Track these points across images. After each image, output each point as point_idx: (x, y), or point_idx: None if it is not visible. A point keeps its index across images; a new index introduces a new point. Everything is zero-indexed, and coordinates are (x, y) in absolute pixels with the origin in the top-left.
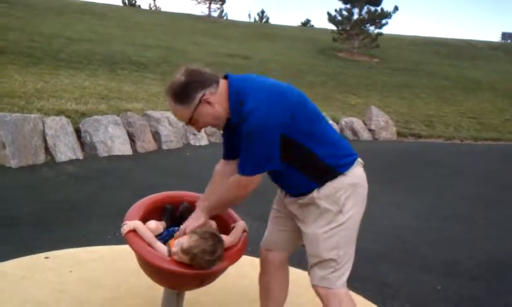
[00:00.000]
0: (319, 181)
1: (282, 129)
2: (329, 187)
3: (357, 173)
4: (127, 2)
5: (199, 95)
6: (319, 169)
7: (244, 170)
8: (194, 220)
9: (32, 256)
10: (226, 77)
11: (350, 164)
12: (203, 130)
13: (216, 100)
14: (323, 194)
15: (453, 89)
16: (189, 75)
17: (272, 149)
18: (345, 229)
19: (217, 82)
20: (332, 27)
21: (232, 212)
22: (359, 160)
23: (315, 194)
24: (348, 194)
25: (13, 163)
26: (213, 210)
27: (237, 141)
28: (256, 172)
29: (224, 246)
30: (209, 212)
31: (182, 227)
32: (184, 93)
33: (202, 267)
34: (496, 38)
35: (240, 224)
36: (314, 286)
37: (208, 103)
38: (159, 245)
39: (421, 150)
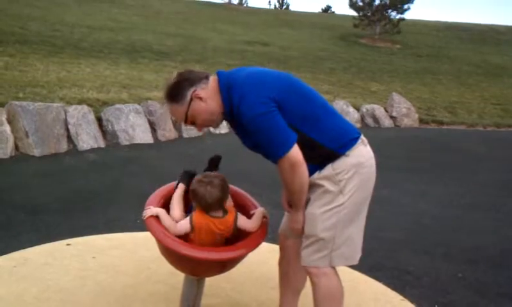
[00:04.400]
0: (320, 164)
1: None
2: (329, 169)
3: (360, 153)
4: None
5: (189, 92)
6: (320, 154)
7: (277, 154)
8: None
9: (54, 243)
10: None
11: (351, 144)
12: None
13: (207, 95)
14: (323, 176)
15: (476, 75)
16: (180, 75)
17: (279, 123)
18: (345, 209)
19: (207, 78)
20: (353, 13)
21: (251, 199)
22: (362, 138)
23: (316, 175)
24: (350, 175)
25: (36, 151)
26: (298, 202)
27: (241, 135)
28: (288, 148)
29: (221, 177)
30: (298, 208)
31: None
32: (175, 92)
33: (199, 195)
34: None
35: (259, 211)
36: (306, 267)
37: (200, 98)
38: (183, 223)
39: (444, 137)
